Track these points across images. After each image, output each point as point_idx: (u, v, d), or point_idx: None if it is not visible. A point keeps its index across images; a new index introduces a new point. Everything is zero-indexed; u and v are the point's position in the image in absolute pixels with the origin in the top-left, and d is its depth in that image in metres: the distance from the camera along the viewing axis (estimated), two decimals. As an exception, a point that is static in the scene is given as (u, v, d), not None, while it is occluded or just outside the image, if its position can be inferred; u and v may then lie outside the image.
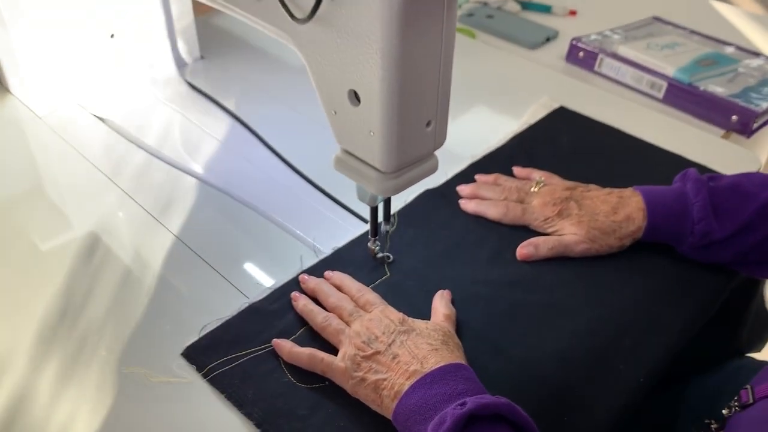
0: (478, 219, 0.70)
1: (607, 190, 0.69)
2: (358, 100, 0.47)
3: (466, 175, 0.76)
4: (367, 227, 0.68)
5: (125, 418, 0.52)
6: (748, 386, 0.55)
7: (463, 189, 0.73)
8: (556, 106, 0.89)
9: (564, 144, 0.82)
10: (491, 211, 0.70)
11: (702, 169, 0.77)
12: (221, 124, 0.85)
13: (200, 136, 0.83)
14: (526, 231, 0.69)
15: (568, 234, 0.66)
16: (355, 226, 0.71)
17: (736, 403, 0.55)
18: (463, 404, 0.44)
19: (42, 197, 0.74)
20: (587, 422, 0.53)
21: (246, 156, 0.80)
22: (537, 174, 0.74)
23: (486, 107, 0.91)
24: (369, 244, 0.64)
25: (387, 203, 0.60)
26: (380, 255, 0.65)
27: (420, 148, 0.50)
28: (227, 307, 0.61)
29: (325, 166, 0.76)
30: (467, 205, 0.71)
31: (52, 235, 0.68)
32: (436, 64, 0.46)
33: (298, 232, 0.69)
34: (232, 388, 0.53)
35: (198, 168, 0.78)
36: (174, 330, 0.59)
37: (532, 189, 0.71)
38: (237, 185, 0.75)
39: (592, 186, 0.70)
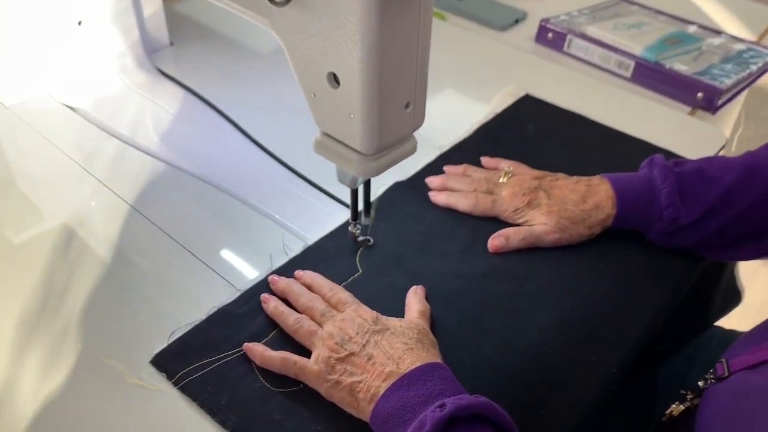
0: (449, 211, 0.70)
1: (575, 178, 0.69)
2: (338, 82, 0.47)
3: (434, 167, 0.76)
4: (341, 220, 0.68)
5: (100, 417, 0.52)
6: (723, 360, 0.57)
7: (432, 181, 0.73)
8: (521, 94, 0.89)
9: (530, 132, 0.82)
10: (461, 203, 0.70)
11: (667, 154, 0.78)
12: (193, 110, 0.85)
13: (172, 122, 0.83)
14: (496, 222, 0.69)
15: (538, 224, 0.66)
16: (331, 208, 0.71)
17: (711, 376, 0.57)
18: (442, 406, 0.44)
19: (14, 189, 0.72)
20: (562, 414, 0.53)
21: (219, 141, 0.80)
22: (505, 164, 0.74)
23: (456, 90, 0.92)
24: (349, 228, 0.64)
25: (367, 185, 0.61)
26: (361, 239, 0.65)
27: (399, 130, 0.51)
28: (208, 292, 0.61)
29: (298, 149, 0.77)
30: (437, 198, 0.71)
31: (26, 227, 0.67)
32: (414, 45, 0.46)
33: (276, 216, 0.70)
34: (205, 395, 0.52)
35: (171, 154, 0.77)
36: (156, 318, 0.59)
37: (500, 179, 0.70)
38: (211, 171, 0.75)
39: (560, 174, 0.71)
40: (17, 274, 0.62)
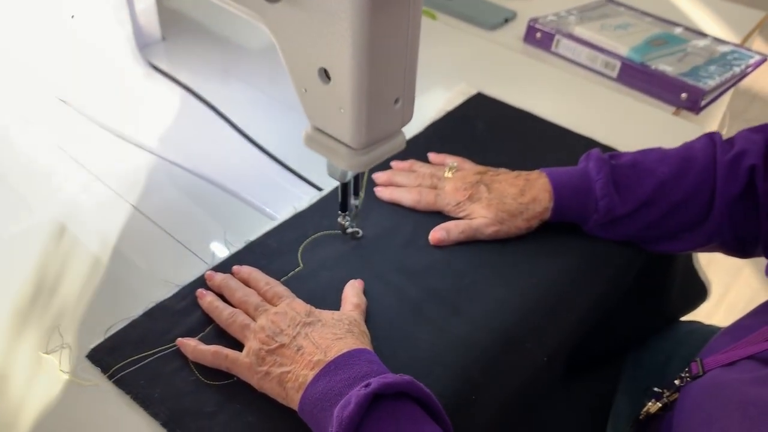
0: (394, 206, 0.71)
1: (516, 173, 0.70)
2: (329, 77, 0.48)
3: (382, 163, 0.76)
4: (334, 216, 0.69)
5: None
6: (698, 359, 0.58)
7: (378, 176, 0.73)
8: (473, 92, 0.90)
9: (479, 129, 0.83)
10: (405, 197, 0.70)
11: (607, 150, 0.79)
12: (185, 104, 0.85)
13: (164, 117, 0.83)
14: (440, 217, 0.69)
15: (478, 217, 0.67)
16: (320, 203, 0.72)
17: (687, 375, 0.58)
18: (367, 385, 0.45)
19: (5, 182, 0.73)
20: (492, 400, 0.54)
21: (211, 136, 0.81)
22: (450, 159, 0.75)
23: (445, 88, 0.93)
24: (339, 219, 0.65)
25: (356, 179, 0.62)
26: (350, 230, 0.66)
27: (388, 125, 0.52)
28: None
29: (290, 144, 0.78)
30: (383, 193, 0.72)
31: (18, 221, 0.68)
32: (404, 41, 0.47)
33: (267, 209, 0.71)
34: (138, 388, 0.53)
35: (163, 149, 0.78)
36: (132, 301, 0.60)
37: (445, 174, 0.71)
38: (203, 165, 0.76)
39: (502, 170, 0.71)
40: (8, 267, 0.63)
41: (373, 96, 0.48)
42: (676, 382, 0.59)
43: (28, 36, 0.82)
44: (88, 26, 0.85)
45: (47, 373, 0.54)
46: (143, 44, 0.94)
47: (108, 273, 0.63)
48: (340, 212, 0.64)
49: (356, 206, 0.65)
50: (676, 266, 0.80)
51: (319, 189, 0.74)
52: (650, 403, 0.62)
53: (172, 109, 0.84)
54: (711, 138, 0.67)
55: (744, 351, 0.53)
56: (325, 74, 0.48)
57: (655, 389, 0.62)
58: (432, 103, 0.88)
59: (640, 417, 0.63)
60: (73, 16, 0.84)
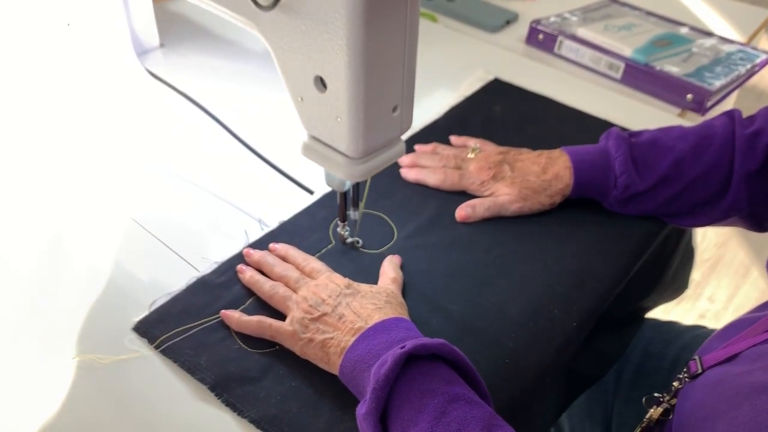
0: (419, 187, 0.73)
1: (537, 152, 0.72)
2: (325, 86, 0.47)
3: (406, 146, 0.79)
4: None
5: (83, 402, 0.53)
6: (696, 357, 0.57)
7: (403, 159, 0.75)
8: (491, 78, 0.92)
9: (498, 113, 0.86)
10: (431, 178, 0.72)
11: (625, 130, 0.80)
12: (183, 113, 0.84)
13: (162, 125, 0.82)
14: (464, 195, 0.72)
15: (503, 195, 0.69)
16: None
17: (686, 375, 0.58)
18: (403, 347, 0.47)
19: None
20: (525, 363, 0.56)
21: (210, 144, 0.80)
22: (472, 141, 0.77)
23: (447, 91, 0.92)
24: (338, 229, 0.64)
25: (355, 188, 0.61)
26: (350, 240, 0.65)
27: (387, 133, 0.51)
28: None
29: (289, 152, 0.77)
30: (408, 174, 0.74)
31: (12, 230, 0.67)
32: (401, 49, 0.46)
33: (267, 220, 0.70)
34: (185, 357, 0.55)
35: (161, 158, 0.77)
36: (133, 310, 0.59)
37: (468, 155, 0.74)
38: (202, 175, 0.75)
39: (524, 149, 0.74)
40: (6, 276, 0.62)
41: (371, 104, 0.47)
42: (675, 384, 0.59)
43: (24, 44, 0.81)
44: (84, 34, 0.85)
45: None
46: (141, 51, 0.94)
47: (109, 281, 0.62)
48: (339, 222, 0.63)
49: (356, 221, 0.65)
50: (682, 238, 0.81)
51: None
52: (651, 410, 0.61)
53: (170, 118, 0.83)
54: (730, 115, 0.69)
55: (744, 343, 0.53)
56: (321, 83, 0.47)
57: (655, 394, 0.62)
58: (434, 107, 0.87)
59: (642, 425, 0.62)
60: (69, 24, 0.83)
